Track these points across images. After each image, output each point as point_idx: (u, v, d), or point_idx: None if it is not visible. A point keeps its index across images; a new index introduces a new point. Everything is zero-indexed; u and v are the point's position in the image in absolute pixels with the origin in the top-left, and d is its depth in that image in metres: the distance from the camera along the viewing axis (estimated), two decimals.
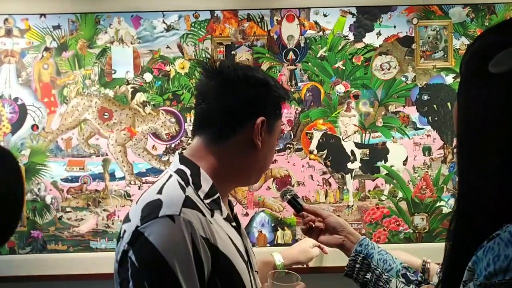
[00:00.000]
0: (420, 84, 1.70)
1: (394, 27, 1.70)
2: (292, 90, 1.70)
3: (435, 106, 1.70)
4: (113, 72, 1.72)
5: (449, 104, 1.71)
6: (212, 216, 0.91)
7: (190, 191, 0.90)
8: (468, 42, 1.69)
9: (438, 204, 1.71)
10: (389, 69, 1.71)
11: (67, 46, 1.71)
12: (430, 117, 1.71)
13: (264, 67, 1.70)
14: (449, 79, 1.70)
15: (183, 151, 1.01)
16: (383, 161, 1.72)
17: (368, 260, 1.12)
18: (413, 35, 1.70)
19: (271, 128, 1.00)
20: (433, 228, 1.71)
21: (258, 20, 1.71)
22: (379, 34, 1.70)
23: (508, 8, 1.69)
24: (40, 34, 1.71)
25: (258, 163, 1.01)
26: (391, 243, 1.71)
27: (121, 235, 0.87)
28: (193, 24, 1.70)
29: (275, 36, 1.71)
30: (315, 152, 1.72)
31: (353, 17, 1.70)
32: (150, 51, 1.72)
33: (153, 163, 1.73)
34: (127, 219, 0.89)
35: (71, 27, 1.71)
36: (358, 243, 1.15)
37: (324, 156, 1.72)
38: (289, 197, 1.21)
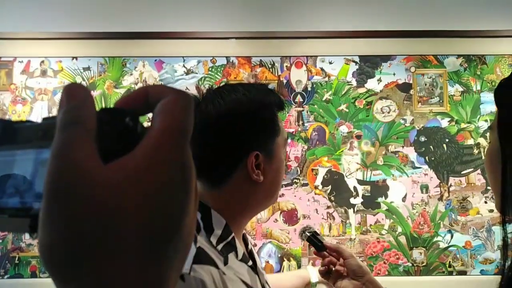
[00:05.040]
0: (418, 127, 1.85)
1: (394, 74, 1.86)
2: (299, 129, 1.85)
3: (431, 147, 1.84)
4: None
5: (444, 145, 1.84)
6: (226, 263, 0.84)
7: (202, 239, 0.84)
8: (462, 89, 1.85)
9: (435, 239, 1.81)
10: (389, 112, 1.85)
11: (95, 86, 1.88)
12: (427, 157, 1.84)
13: None
14: (444, 122, 1.85)
15: None
16: (383, 197, 1.84)
17: None
18: (411, 82, 1.86)
19: (270, 153, 0.91)
20: (430, 262, 1.81)
21: (270, 66, 1.88)
22: (379, 80, 1.86)
23: (498, 59, 1.85)
24: (71, 74, 1.89)
25: (268, 191, 0.94)
26: (391, 275, 1.81)
27: None
28: (210, 69, 1.88)
29: (285, 81, 1.87)
30: (320, 187, 1.85)
31: (356, 64, 1.87)
32: None
33: None
34: None
35: (99, 69, 1.89)
36: None
37: (328, 191, 1.85)
38: (308, 234, 1.12)
